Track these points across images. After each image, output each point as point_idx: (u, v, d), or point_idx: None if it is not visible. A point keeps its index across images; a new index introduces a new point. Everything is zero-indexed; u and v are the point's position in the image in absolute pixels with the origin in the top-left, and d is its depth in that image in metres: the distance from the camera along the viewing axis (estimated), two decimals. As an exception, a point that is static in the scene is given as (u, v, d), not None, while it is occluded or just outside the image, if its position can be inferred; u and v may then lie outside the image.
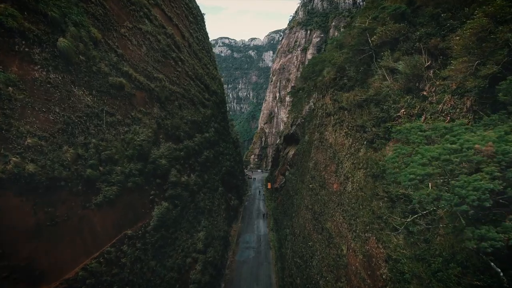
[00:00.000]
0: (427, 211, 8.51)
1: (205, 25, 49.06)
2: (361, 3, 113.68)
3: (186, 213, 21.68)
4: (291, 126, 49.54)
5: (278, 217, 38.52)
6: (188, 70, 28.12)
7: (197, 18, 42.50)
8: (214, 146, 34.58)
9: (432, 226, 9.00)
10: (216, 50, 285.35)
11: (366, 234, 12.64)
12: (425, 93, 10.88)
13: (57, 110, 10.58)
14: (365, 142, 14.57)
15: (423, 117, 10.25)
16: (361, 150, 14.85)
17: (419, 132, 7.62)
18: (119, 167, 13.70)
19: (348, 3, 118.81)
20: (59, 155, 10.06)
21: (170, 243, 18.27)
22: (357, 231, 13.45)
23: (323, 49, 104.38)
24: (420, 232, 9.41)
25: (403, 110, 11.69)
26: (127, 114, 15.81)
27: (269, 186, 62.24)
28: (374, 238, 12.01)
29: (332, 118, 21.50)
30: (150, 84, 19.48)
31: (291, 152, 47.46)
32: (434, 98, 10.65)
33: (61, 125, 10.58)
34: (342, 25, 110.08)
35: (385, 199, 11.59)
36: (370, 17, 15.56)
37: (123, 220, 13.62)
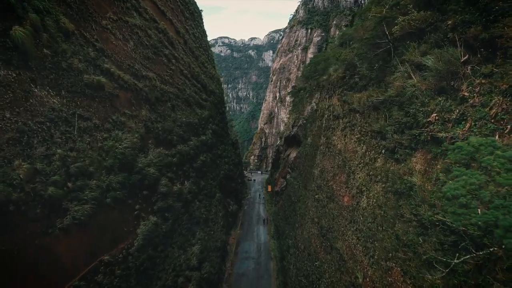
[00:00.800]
0: (482, 252, 6.42)
1: (202, 22, 46.96)
2: (362, 2, 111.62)
3: (178, 226, 19.57)
4: (292, 127, 47.49)
5: (279, 224, 36.44)
6: (183, 68, 26.02)
7: (194, 15, 40.40)
8: (211, 149, 32.50)
9: (486, 267, 6.91)
10: (215, 49, 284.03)
11: (387, 262, 10.54)
12: (465, 93, 8.81)
13: (8, 115, 8.48)
14: (383, 151, 12.47)
15: (467, 124, 8.17)
16: (379, 160, 12.75)
17: (496, 152, 5.50)
18: (95, 181, 11.59)
19: (350, 1, 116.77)
20: (7, 173, 7.95)
21: (159, 263, 16.17)
22: (376, 257, 11.36)
23: (324, 48, 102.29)
24: (468, 272, 7.31)
25: (434, 114, 9.61)
26: (107, 118, 13.70)
27: (269, 189, 60.19)
28: (398, 269, 9.92)
29: (340, 121, 19.42)
30: (138, 84, 17.36)
31: (293, 155, 45.38)
32: (477, 100, 8.57)
33: (13, 133, 8.48)
34: (343, 24, 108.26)
35: (414, 223, 9.49)
36: (387, 5, 13.47)
37: (99, 244, 11.51)
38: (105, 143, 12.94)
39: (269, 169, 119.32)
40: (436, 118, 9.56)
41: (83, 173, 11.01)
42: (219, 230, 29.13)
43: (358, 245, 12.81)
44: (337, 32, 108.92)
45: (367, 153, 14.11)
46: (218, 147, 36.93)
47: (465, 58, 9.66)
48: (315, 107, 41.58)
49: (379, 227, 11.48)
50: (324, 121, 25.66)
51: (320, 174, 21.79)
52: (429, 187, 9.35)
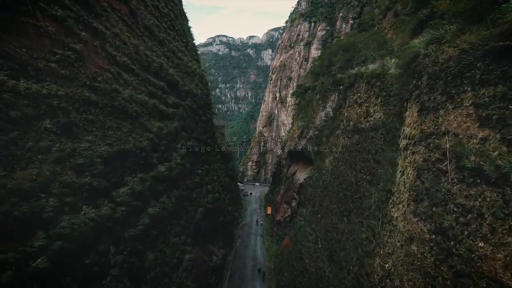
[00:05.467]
0: None
1: (181, 3, 35.99)
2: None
3: None
4: (299, 138, 36.60)
5: (283, 281, 25.44)
6: (117, 53, 15.05)
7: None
8: (183, 179, 21.68)
9: None
10: (213, 48, 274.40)
11: None
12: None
13: None
14: None
15: None
16: None
17: None
18: None
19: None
20: None
21: None
22: None
23: (329, 43, 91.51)
24: None
25: None
26: None
27: (268, 211, 49.27)
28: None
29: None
30: None
31: (301, 176, 34.52)
32: None
33: None
34: (351, 16, 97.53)
35: None
36: None
37: None
38: None
39: (268, 176, 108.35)
40: None
41: None
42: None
43: None
44: (344, 26, 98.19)
45: None
46: (197, 170, 26.02)
47: None
48: (331, 113, 30.73)
49: None
50: (373, 145, 14.76)
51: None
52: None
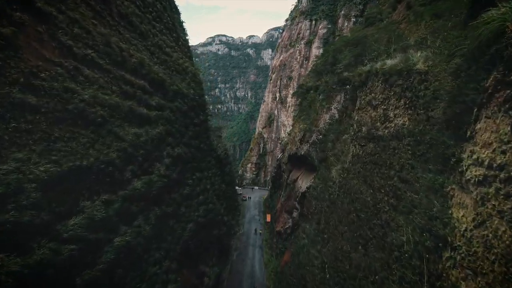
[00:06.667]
0: None
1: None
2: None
3: None
4: (301, 142, 33.64)
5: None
6: (81, 46, 12.08)
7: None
8: (171, 192, 18.81)
9: None
10: (213, 48, 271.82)
11: None
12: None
13: None
14: None
15: None
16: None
17: None
18: None
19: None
20: None
21: None
22: None
23: (330, 42, 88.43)
24: None
25: None
26: None
27: (268, 219, 46.29)
28: None
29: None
30: None
31: (303, 184, 31.55)
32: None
33: None
34: (353, 14, 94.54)
35: None
36: None
37: None
38: None
39: (267, 179, 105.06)
40: None
41: None
42: None
43: None
44: (346, 24, 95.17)
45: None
46: (187, 180, 23.11)
47: None
48: (337, 115, 27.77)
49: None
50: (389, 157, 11.82)
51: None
52: None
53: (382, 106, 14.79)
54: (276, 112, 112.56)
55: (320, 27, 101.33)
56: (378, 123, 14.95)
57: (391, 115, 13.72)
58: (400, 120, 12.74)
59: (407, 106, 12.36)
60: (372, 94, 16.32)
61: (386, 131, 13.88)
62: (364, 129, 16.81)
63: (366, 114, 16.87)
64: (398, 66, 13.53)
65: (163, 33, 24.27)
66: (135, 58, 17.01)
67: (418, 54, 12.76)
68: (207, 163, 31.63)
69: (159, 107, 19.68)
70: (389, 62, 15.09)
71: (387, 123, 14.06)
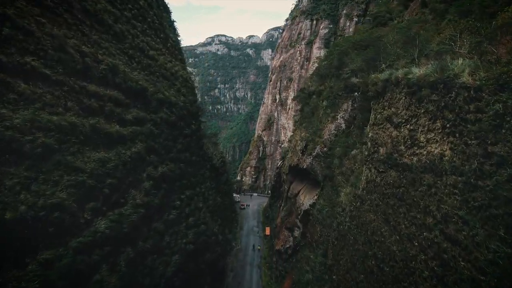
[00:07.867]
0: None
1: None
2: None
3: None
4: (303, 154, 30.60)
5: None
6: (14, 52, 9.10)
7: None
8: (152, 221, 15.91)
9: None
10: (212, 48, 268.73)
11: None
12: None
13: None
14: None
15: None
16: None
17: None
18: None
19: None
20: None
21: None
22: None
23: (332, 42, 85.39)
24: None
25: None
26: None
27: (267, 232, 43.36)
28: None
29: None
30: None
31: (305, 200, 28.57)
32: None
33: None
34: (355, 14, 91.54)
35: None
36: None
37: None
38: None
39: (267, 183, 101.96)
40: None
41: None
42: None
43: None
44: (348, 23, 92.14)
45: None
46: (173, 202, 20.17)
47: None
48: (343, 125, 24.87)
49: None
50: (421, 196, 8.75)
51: None
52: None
53: (408, 126, 11.79)
54: (276, 114, 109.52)
55: (321, 26, 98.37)
56: (402, 147, 11.97)
57: (422, 139, 10.73)
58: (437, 149, 9.76)
59: (447, 131, 9.38)
60: (393, 109, 13.31)
61: (415, 159, 10.90)
62: (382, 150, 13.83)
63: (384, 132, 13.88)
64: (431, 76, 10.52)
65: (146, 33, 21.29)
66: (105, 65, 14.02)
67: (460, 62, 9.77)
68: (199, 177, 28.65)
69: (138, 121, 16.71)
70: (416, 70, 12.09)
71: (415, 148, 11.08)
